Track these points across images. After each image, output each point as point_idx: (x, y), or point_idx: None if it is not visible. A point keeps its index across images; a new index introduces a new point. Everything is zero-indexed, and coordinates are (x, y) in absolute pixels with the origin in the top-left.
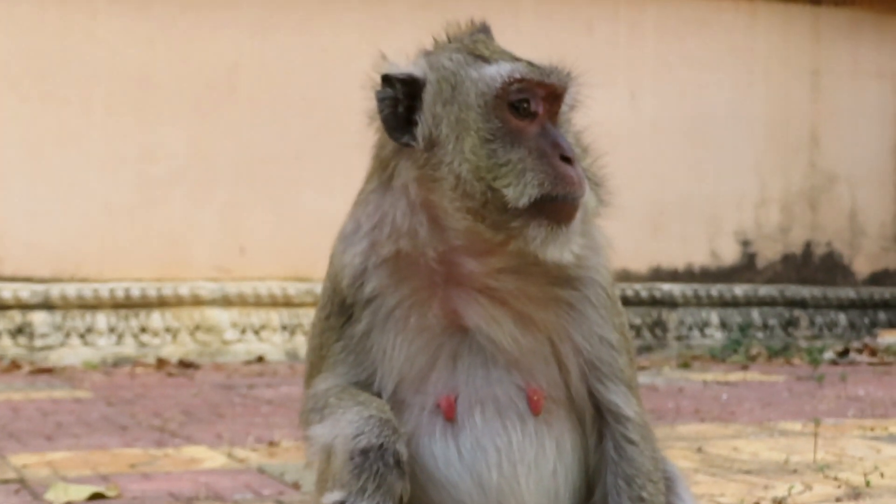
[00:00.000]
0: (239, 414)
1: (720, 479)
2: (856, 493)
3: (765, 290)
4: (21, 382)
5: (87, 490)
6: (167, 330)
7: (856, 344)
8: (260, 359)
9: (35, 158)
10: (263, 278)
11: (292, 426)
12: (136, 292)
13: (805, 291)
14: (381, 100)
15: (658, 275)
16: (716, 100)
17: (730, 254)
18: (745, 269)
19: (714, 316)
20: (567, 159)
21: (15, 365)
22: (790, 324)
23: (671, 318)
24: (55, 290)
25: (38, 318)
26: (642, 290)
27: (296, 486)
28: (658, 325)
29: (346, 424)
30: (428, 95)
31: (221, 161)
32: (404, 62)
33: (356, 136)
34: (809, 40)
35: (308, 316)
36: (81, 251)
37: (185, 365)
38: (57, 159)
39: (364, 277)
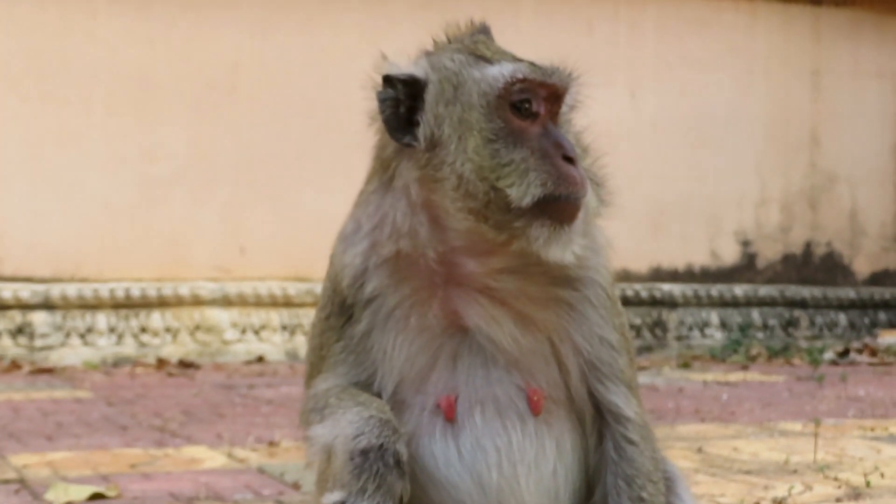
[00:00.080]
0: (239, 414)
1: (720, 479)
2: (856, 494)
3: (765, 291)
4: (21, 382)
5: (87, 490)
6: (167, 330)
7: (856, 344)
8: (260, 359)
9: (35, 158)
10: (263, 278)
11: (292, 426)
12: (136, 292)
13: (805, 291)
14: (382, 100)
15: (658, 275)
16: (716, 100)
17: (730, 254)
18: (746, 269)
19: (714, 316)
20: (569, 159)
21: (15, 365)
22: (790, 324)
23: (671, 318)
24: (55, 290)
25: (39, 318)
26: (642, 290)
27: (296, 486)
28: (658, 326)
29: (347, 425)
30: (430, 96)
31: (221, 161)
32: (405, 63)
33: (356, 136)
34: (810, 40)
35: (308, 316)
36: (82, 251)
37: (185, 365)
38: (57, 159)
39: (364, 278)
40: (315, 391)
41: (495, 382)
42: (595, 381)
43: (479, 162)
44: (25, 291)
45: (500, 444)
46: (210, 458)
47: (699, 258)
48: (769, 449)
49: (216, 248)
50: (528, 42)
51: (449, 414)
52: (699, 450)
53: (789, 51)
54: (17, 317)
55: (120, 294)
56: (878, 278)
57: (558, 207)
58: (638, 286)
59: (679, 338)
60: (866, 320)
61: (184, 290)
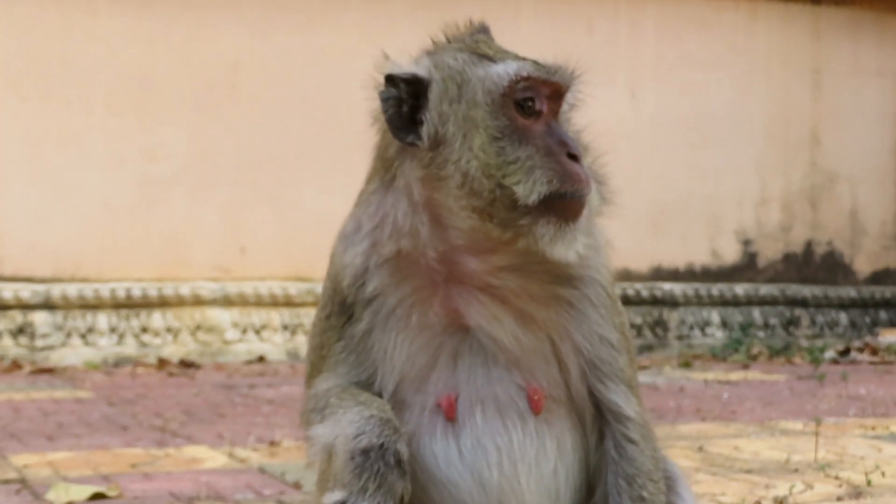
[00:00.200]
0: (240, 414)
1: (721, 478)
2: (857, 493)
3: (766, 290)
4: (22, 382)
5: (88, 490)
6: (168, 330)
7: (857, 343)
8: (261, 358)
9: (35, 158)
10: (264, 278)
11: (293, 426)
12: (136, 292)
13: (806, 290)
14: (385, 100)
15: (659, 274)
16: (716, 99)
17: (731, 253)
18: (746, 268)
19: (715, 315)
20: (574, 157)
21: (16, 365)
22: (791, 323)
23: (672, 317)
24: (56, 290)
25: (39, 318)
26: (643, 289)
27: (297, 485)
28: (659, 325)
29: (347, 424)
30: (433, 94)
31: (222, 161)
32: (407, 62)
33: (357, 135)
34: (810, 39)
35: (309, 316)
36: (82, 251)
37: (186, 365)
38: (57, 159)
39: (365, 277)
40: (316, 391)
41: (496, 381)
42: (595, 381)
43: (484, 159)
44: (26, 291)
45: (500, 443)
46: (211, 457)
47: (700, 257)
48: (770, 448)
49: (217, 248)
50: (528, 42)
51: (449, 413)
52: (700, 449)
53: (789, 50)
54: (17, 317)
55: (121, 294)
56: (878, 277)
57: (563, 205)
58: (639, 285)
59: (680, 337)
60: (867, 319)
61: (184, 290)
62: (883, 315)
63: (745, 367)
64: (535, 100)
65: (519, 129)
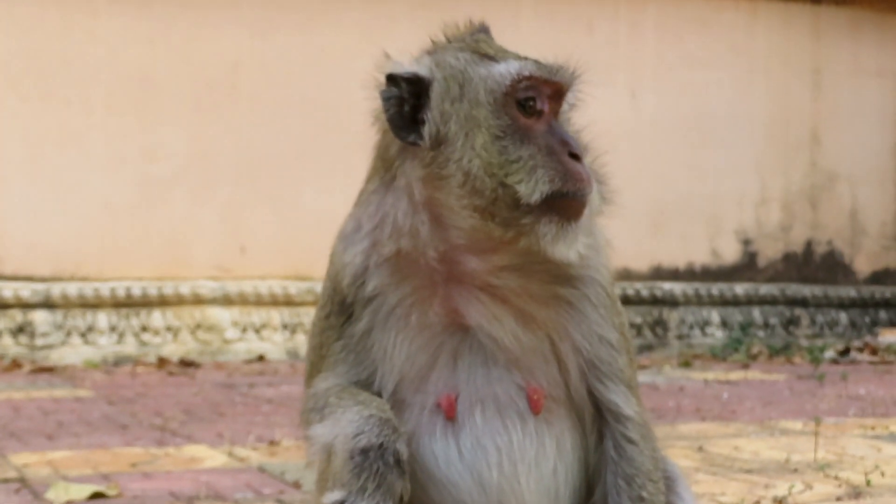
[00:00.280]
0: (240, 413)
1: (721, 478)
2: (856, 493)
3: (766, 289)
4: (22, 381)
5: (87, 489)
6: (168, 329)
7: (857, 343)
8: (261, 358)
9: (35, 158)
10: (264, 277)
11: (293, 425)
12: (136, 291)
13: (806, 290)
14: (386, 99)
15: (659, 274)
16: (716, 99)
17: (730, 253)
18: (746, 267)
19: (715, 315)
20: (575, 156)
21: (16, 364)
22: (791, 322)
23: (672, 316)
24: (56, 290)
25: (39, 317)
26: (643, 288)
27: (296, 485)
28: (659, 324)
29: (347, 424)
30: (435, 94)
31: (222, 160)
32: (408, 61)
33: (357, 135)
34: (810, 39)
35: (309, 315)
36: (82, 250)
37: (185, 364)
38: (57, 159)
39: (365, 276)
40: (315, 390)
41: (496, 381)
42: (594, 380)
43: (487, 158)
44: (26, 290)
45: (500, 442)
46: (210, 457)
47: (700, 257)
48: (770, 448)
49: (217, 248)
50: (528, 42)
51: (449, 413)
52: (700, 448)
53: (789, 50)
54: (17, 316)
55: (121, 293)
56: (878, 277)
57: (565, 204)
58: (639, 285)
59: (680, 336)
60: (867, 319)
61: (184, 289)
62: (883, 315)
63: (745, 366)
64: (537, 99)
65: (521, 128)
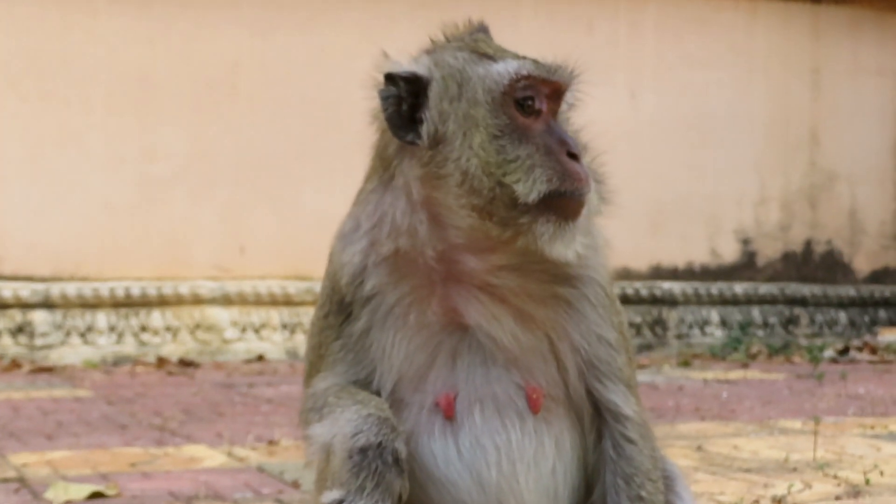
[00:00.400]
0: (239, 413)
1: (720, 477)
2: (855, 492)
3: (765, 289)
4: (21, 381)
5: (86, 489)
6: (167, 329)
7: (856, 342)
8: (260, 357)
9: (35, 158)
10: (263, 277)
11: (292, 425)
12: (136, 291)
13: (805, 289)
14: (384, 98)
15: (658, 273)
16: (716, 98)
17: (730, 252)
18: (746, 267)
19: (714, 314)
20: (573, 156)
21: (15, 364)
22: (790, 322)
23: (671, 316)
24: (55, 289)
25: (39, 317)
26: (642, 288)
27: (295, 484)
28: (658, 324)
29: (345, 423)
30: (433, 93)
31: (221, 160)
32: (407, 61)
33: (356, 135)
34: (809, 38)
35: (308, 314)
36: (82, 250)
37: (185, 364)
38: (57, 159)
39: (363, 276)
40: (314, 390)
41: (494, 380)
42: (593, 380)
43: (485, 158)
44: (25, 290)
45: (499, 442)
46: (210, 456)
47: (699, 256)
48: (769, 447)
49: (216, 247)
50: (527, 41)
51: (448, 412)
52: (699, 448)
53: (789, 49)
54: (17, 316)
55: (120, 293)
56: (877, 276)
57: (563, 203)
58: (638, 284)
59: (679, 336)
60: (866, 318)
61: (184, 289)
62: (882, 314)
63: (745, 366)
64: (535, 99)
65: (519, 127)
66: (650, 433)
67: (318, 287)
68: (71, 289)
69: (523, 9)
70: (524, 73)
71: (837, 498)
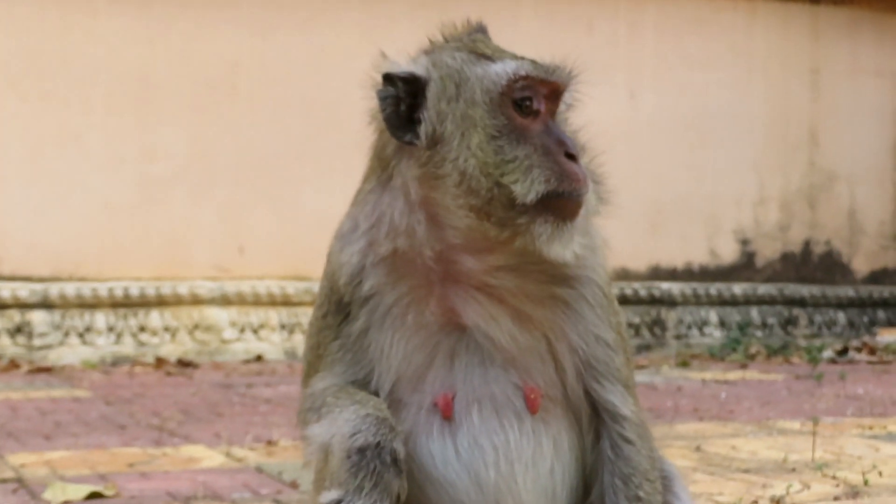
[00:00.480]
0: (237, 413)
1: (718, 477)
2: (854, 492)
3: (764, 289)
4: (20, 382)
5: (85, 489)
6: (166, 329)
7: (855, 342)
8: (259, 358)
9: (35, 158)
10: (262, 277)
11: (290, 425)
12: (135, 291)
13: (804, 290)
14: (382, 98)
15: (657, 273)
16: (715, 99)
17: (729, 252)
18: (744, 267)
19: (713, 314)
20: (571, 156)
21: (14, 364)
22: (789, 322)
23: (670, 316)
24: (54, 290)
25: (37, 318)
26: (641, 288)
27: (294, 484)
28: (657, 324)
29: (343, 423)
30: (432, 93)
31: (221, 160)
32: (405, 61)
33: (356, 135)
34: (808, 39)
35: (307, 315)
36: (80, 250)
37: (183, 364)
38: (56, 159)
39: (362, 276)
40: (312, 390)
41: (492, 381)
42: (591, 380)
43: (482, 158)
44: (24, 290)
45: (497, 442)
46: (208, 457)
47: (698, 257)
48: (767, 447)
49: (215, 248)
50: (527, 41)
51: (446, 412)
52: (697, 448)
53: (788, 50)
54: (15, 316)
55: (119, 293)
56: (876, 277)
57: (561, 204)
58: (637, 285)
59: (678, 336)
60: (865, 319)
61: (182, 290)
62: (881, 314)
63: (743, 366)
64: (533, 99)
65: (517, 128)
66: (648, 433)
67: (316, 287)
68: (70, 289)
69: (523, 9)
70: (522, 73)
71: (836, 498)
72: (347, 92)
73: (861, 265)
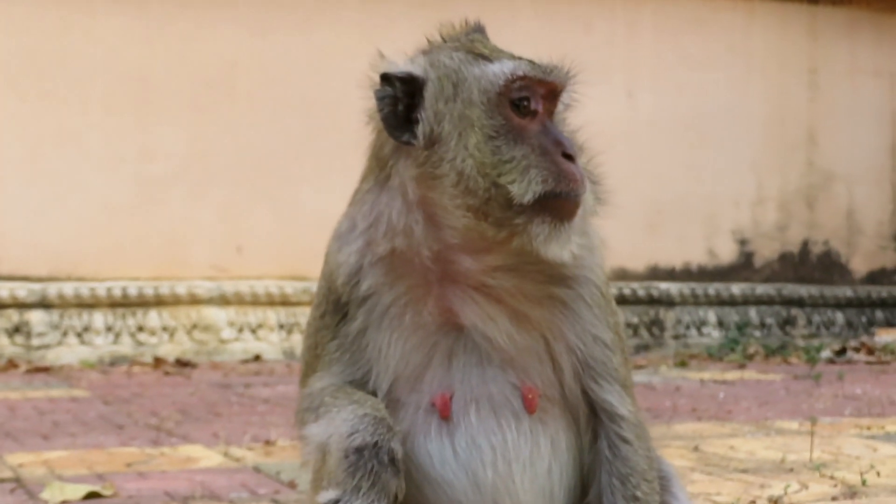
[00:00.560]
0: (235, 413)
1: (716, 477)
2: (852, 492)
3: (762, 289)
4: (18, 381)
5: (83, 489)
6: (164, 329)
7: (853, 342)
8: (257, 357)
9: (33, 157)
10: (261, 277)
11: (288, 425)
12: (133, 291)
13: (802, 290)
14: (380, 98)
15: (655, 273)
16: (713, 99)
17: (727, 252)
18: (743, 267)
19: (711, 314)
20: (569, 156)
21: (12, 364)
22: (787, 322)
23: (668, 316)
24: (52, 289)
25: (36, 317)
26: (639, 288)
27: (292, 484)
28: (655, 324)
29: (341, 423)
30: (429, 93)
31: (219, 160)
32: (403, 61)
33: (354, 135)
34: (807, 39)
35: (305, 315)
36: (79, 250)
37: (182, 364)
38: (55, 158)
39: (359, 276)
40: (310, 390)
41: (490, 380)
42: (589, 380)
43: (480, 158)
44: (22, 290)
45: (495, 442)
46: (206, 456)
47: (696, 257)
48: (765, 447)
49: (213, 247)
50: (526, 41)
51: (444, 412)
52: (695, 448)
53: (786, 50)
54: (13, 315)
55: (117, 293)
56: (875, 277)
57: (558, 204)
58: (635, 285)
59: (676, 336)
60: (863, 319)
61: (181, 289)
62: (879, 314)
63: (742, 366)
64: (531, 99)
65: (514, 128)
66: (646, 433)
67: (314, 287)
68: (68, 288)
69: (521, 9)
70: (520, 73)
71: (834, 499)
72: (346, 92)
73: (859, 265)
